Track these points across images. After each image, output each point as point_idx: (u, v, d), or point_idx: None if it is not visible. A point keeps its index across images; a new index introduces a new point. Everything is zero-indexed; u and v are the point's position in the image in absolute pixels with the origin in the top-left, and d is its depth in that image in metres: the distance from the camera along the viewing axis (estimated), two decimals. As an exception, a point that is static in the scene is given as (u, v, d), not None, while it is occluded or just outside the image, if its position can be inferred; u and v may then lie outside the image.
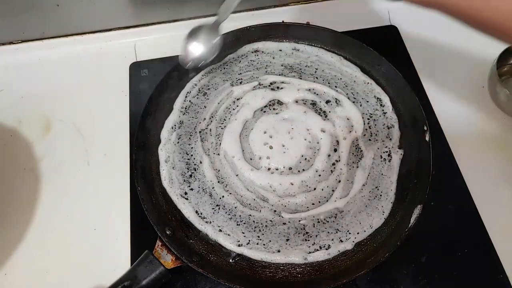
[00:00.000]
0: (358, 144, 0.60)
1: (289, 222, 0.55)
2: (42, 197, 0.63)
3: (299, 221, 0.55)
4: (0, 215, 0.61)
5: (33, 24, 0.74)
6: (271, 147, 0.59)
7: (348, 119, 0.62)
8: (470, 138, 0.65)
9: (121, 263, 0.53)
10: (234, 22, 0.75)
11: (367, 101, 0.64)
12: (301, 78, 0.66)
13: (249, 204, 0.56)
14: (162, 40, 0.77)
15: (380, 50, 0.65)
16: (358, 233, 0.54)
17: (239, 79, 0.67)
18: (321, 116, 0.62)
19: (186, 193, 0.58)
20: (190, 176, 0.59)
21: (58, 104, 0.72)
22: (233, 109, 0.64)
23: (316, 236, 0.54)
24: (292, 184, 0.57)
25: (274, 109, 0.64)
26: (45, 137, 0.69)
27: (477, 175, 0.61)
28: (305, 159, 0.59)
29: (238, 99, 0.65)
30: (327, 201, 0.56)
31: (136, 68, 0.73)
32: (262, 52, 0.70)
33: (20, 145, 0.68)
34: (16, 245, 0.59)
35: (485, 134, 0.65)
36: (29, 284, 0.57)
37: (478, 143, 0.64)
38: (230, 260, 0.53)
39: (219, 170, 0.59)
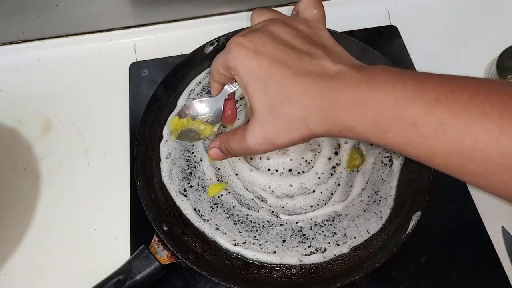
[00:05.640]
0: (359, 148, 0.60)
1: (286, 223, 0.55)
2: (42, 197, 0.63)
3: (297, 223, 0.55)
4: (0, 215, 0.61)
5: (33, 24, 0.74)
6: (271, 148, 0.59)
7: (350, 122, 0.62)
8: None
9: (121, 263, 0.52)
10: (235, 22, 0.76)
11: (371, 104, 0.64)
12: (305, 80, 0.66)
13: (247, 204, 0.57)
14: (162, 40, 0.77)
15: (380, 51, 0.65)
16: (355, 238, 0.54)
17: (243, 79, 0.67)
18: (323, 118, 0.62)
19: (185, 190, 0.58)
20: (190, 173, 0.59)
21: (58, 104, 0.72)
22: (236, 108, 0.64)
23: (313, 238, 0.54)
24: (291, 186, 0.57)
25: (276, 109, 0.64)
26: (45, 137, 0.69)
27: (477, 175, 0.60)
28: (306, 161, 0.59)
29: (241, 98, 0.65)
30: (325, 204, 0.56)
31: (136, 68, 0.73)
32: (268, 52, 0.70)
33: (20, 145, 0.68)
34: (16, 245, 0.59)
35: (485, 134, 0.65)
36: (29, 284, 0.57)
37: (478, 143, 0.64)
38: (226, 259, 0.53)
39: (219, 169, 0.59)
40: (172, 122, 0.55)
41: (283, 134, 0.39)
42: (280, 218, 0.55)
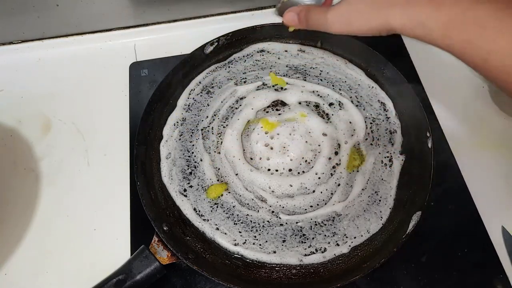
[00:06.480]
0: (359, 148, 0.60)
1: (286, 223, 0.55)
2: (42, 197, 0.63)
3: (297, 223, 0.55)
4: (0, 215, 0.61)
5: (33, 24, 0.74)
6: (271, 148, 0.59)
7: (350, 122, 0.62)
8: (470, 138, 0.65)
9: (121, 263, 0.52)
10: (235, 22, 0.76)
11: (371, 105, 0.64)
12: (305, 80, 0.66)
13: (247, 204, 0.57)
14: (162, 40, 0.78)
15: (380, 51, 0.65)
16: (355, 238, 0.54)
17: (243, 79, 0.67)
18: (323, 118, 0.62)
19: (185, 190, 0.58)
20: (190, 173, 0.59)
21: (58, 104, 0.72)
22: (236, 108, 0.64)
23: (313, 238, 0.54)
24: (291, 186, 0.57)
25: (277, 109, 0.64)
26: (45, 137, 0.69)
27: (477, 175, 0.61)
28: (306, 161, 0.59)
29: (241, 99, 0.65)
30: (325, 204, 0.56)
31: (136, 68, 0.73)
32: (268, 52, 0.70)
33: (20, 145, 0.68)
34: (16, 245, 0.59)
35: (485, 134, 0.65)
36: (29, 284, 0.57)
37: (478, 143, 0.64)
38: (226, 259, 0.53)
39: (219, 169, 0.59)
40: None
41: (363, 18, 0.43)
42: (280, 218, 0.55)
